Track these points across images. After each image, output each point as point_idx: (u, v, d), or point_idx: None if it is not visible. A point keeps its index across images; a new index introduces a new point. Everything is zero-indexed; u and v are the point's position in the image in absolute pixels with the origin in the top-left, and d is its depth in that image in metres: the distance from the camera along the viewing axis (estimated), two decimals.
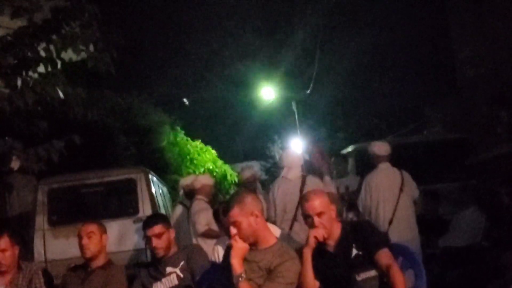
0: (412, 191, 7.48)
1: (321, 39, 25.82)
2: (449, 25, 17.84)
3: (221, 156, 18.81)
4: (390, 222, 7.22)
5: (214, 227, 7.17)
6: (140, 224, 7.88)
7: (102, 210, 9.45)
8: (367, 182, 7.51)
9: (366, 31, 24.44)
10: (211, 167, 17.39)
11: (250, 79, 25.89)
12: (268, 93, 25.18)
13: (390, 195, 7.35)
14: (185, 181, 9.13)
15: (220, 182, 17.06)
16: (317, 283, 4.10)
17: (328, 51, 25.95)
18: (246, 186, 7.99)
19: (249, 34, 26.88)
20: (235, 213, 4.09)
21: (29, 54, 8.18)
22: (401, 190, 7.32)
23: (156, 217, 5.14)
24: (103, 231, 5.07)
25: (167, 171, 13.80)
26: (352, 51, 24.88)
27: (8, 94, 8.37)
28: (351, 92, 25.89)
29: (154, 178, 9.87)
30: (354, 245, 4.21)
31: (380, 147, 7.61)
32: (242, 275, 3.95)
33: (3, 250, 4.98)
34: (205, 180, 8.33)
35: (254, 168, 9.14)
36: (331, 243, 4.27)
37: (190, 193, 8.58)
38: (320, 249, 4.21)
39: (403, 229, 7.20)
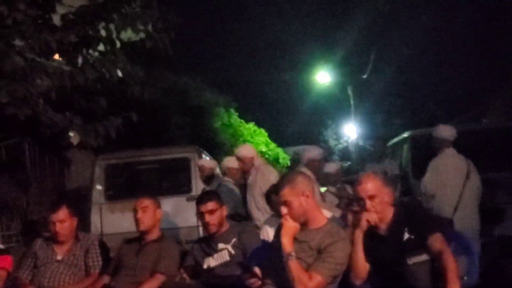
0: (477, 180, 7.32)
1: (379, 23, 25.47)
2: None
3: (273, 139, 18.83)
4: (455, 209, 7.10)
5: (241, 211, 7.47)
6: (192, 202, 8.03)
7: (157, 187, 9.62)
8: (434, 166, 7.35)
9: (427, 14, 23.97)
10: (263, 150, 17.43)
11: (305, 62, 25.77)
12: (323, 76, 25.04)
13: (456, 181, 7.20)
14: (227, 162, 8.96)
15: (272, 164, 17.11)
16: (367, 265, 4.10)
17: (387, 35, 25.58)
18: (310, 166, 7.55)
19: (306, 17, 26.71)
20: (286, 192, 4.12)
21: (90, 32, 8.34)
22: (467, 177, 7.17)
23: (210, 194, 5.21)
24: (157, 206, 5.18)
25: (220, 152, 13.90)
26: (411, 35, 24.46)
27: (70, 70, 8.58)
28: (409, 78, 25.51)
29: (208, 158, 9.98)
30: (406, 229, 4.18)
31: (448, 131, 7.37)
32: (292, 253, 3.98)
33: (62, 221, 5.15)
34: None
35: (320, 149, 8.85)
36: (383, 226, 4.25)
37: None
38: (371, 231, 4.20)
39: (466, 216, 7.08)
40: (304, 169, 7.13)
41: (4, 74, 7.75)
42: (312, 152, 7.73)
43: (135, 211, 5.10)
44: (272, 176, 7.20)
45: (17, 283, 5.08)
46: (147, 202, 5.11)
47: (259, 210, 7.02)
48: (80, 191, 10.77)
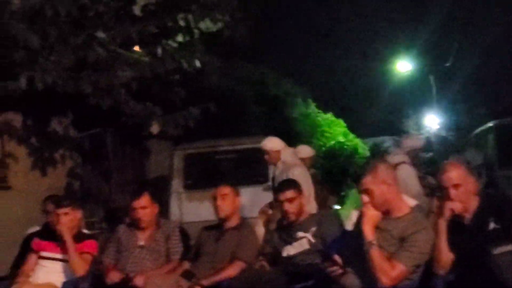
0: None
1: (463, 8, 24.75)
2: None
3: (352, 129, 18.63)
4: None
5: None
6: (268, 192, 8.03)
7: (234, 176, 9.67)
8: None
9: None
10: (342, 140, 17.28)
11: (385, 51, 25.39)
12: (404, 65, 24.55)
13: None
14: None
15: (350, 155, 16.94)
16: (451, 255, 3.99)
17: (471, 22, 24.83)
18: (411, 154, 7.20)
19: (386, 5, 26.28)
20: (367, 181, 4.06)
21: (169, 23, 8.45)
22: None
23: (289, 183, 5.20)
24: (237, 193, 5.20)
25: (297, 142, 13.86)
26: (496, 22, 23.65)
27: (150, 61, 8.74)
28: (494, 65, 24.68)
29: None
30: (492, 219, 4.04)
31: None
32: (374, 242, 3.92)
33: (144, 207, 5.25)
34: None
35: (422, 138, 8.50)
36: (467, 215, 4.12)
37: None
38: (455, 221, 4.08)
39: None
40: (403, 157, 6.98)
41: (87, 65, 7.97)
42: (415, 140, 7.60)
43: (214, 198, 5.14)
44: (296, 172, 7.12)
45: (101, 267, 5.21)
46: (226, 189, 5.14)
47: None
48: (160, 180, 10.97)
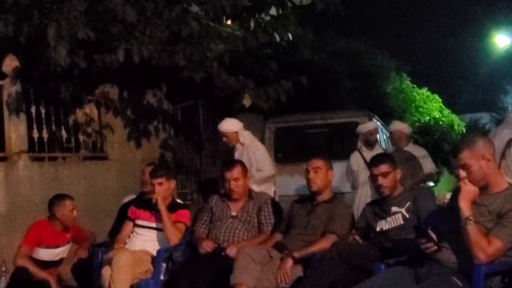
0: None
1: None
2: None
3: (448, 105, 18.11)
4: None
5: None
6: None
7: (325, 151, 9.61)
8: None
9: None
10: (437, 116, 16.85)
11: (483, 24, 24.41)
12: (502, 39, 23.55)
13: None
14: (364, 128, 8.55)
15: (446, 131, 16.51)
16: None
17: None
18: None
19: None
20: (465, 155, 3.91)
21: None
22: None
23: (383, 157, 5.09)
24: (329, 167, 5.15)
25: (391, 117, 13.61)
26: None
27: (243, 34, 8.76)
28: None
29: (378, 123, 9.79)
30: None
31: None
32: (471, 218, 3.78)
33: (236, 179, 5.30)
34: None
35: None
36: None
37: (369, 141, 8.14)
38: None
39: None
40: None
41: (181, 39, 8.07)
42: None
43: (307, 171, 5.11)
44: (258, 153, 6.99)
45: (194, 237, 5.30)
46: (319, 163, 5.10)
47: None
48: None
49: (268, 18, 9.04)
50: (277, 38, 9.19)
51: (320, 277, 4.42)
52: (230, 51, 8.43)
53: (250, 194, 5.42)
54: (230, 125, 7.15)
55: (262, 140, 9.83)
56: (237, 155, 6.96)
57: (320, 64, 11.99)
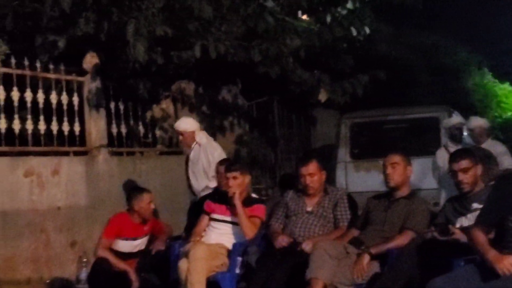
0: None
1: None
2: None
3: None
4: None
5: None
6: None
7: (403, 146, 9.40)
8: None
9: None
10: None
11: None
12: None
13: None
14: (448, 122, 8.21)
15: None
16: None
17: None
18: None
19: None
20: None
21: None
22: None
23: (463, 152, 4.93)
24: (407, 162, 5.03)
25: (471, 113, 13.22)
26: None
27: (318, 29, 8.70)
28: None
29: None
30: None
31: None
32: None
33: (312, 174, 5.26)
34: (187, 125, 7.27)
35: None
36: None
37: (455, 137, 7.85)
38: None
39: None
40: None
41: (257, 34, 8.09)
42: None
43: (384, 167, 5.01)
44: (216, 154, 6.76)
45: (269, 231, 5.29)
46: (397, 158, 4.99)
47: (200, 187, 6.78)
48: (325, 149, 10.97)
49: (344, 12, 8.95)
50: (354, 32, 9.08)
51: (397, 274, 4.34)
52: (305, 46, 8.40)
53: (325, 189, 5.36)
54: (187, 124, 6.96)
55: (338, 136, 9.75)
56: (192, 155, 6.88)
57: (398, 58, 11.78)
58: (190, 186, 6.97)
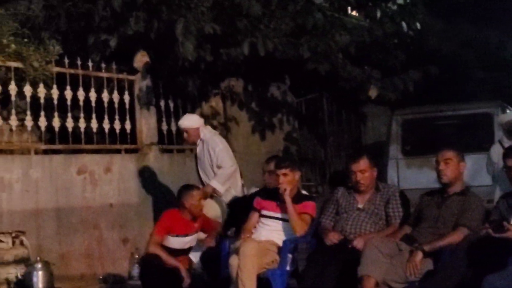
0: None
1: None
2: None
3: None
4: None
5: None
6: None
7: (456, 143, 9.23)
8: None
9: None
10: None
11: None
12: None
13: None
14: (504, 118, 7.93)
15: None
16: None
17: None
18: None
19: None
20: None
21: None
22: None
23: None
24: (461, 158, 4.92)
25: None
26: None
27: (369, 25, 8.62)
28: None
29: None
30: None
31: None
32: None
33: (362, 171, 5.19)
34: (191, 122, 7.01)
35: None
36: None
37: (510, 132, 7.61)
38: None
39: None
40: None
41: (305, 31, 8.06)
42: None
43: (437, 163, 4.92)
44: (217, 149, 6.60)
45: (320, 228, 5.25)
46: (450, 154, 4.89)
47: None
48: (376, 146, 10.86)
49: (395, 7, 8.85)
50: (404, 28, 8.97)
51: (451, 272, 4.27)
52: (355, 42, 8.33)
53: (377, 186, 5.29)
54: (191, 121, 6.82)
55: (389, 133, 9.63)
56: (198, 152, 6.78)
57: (450, 53, 11.57)
58: (202, 183, 6.79)
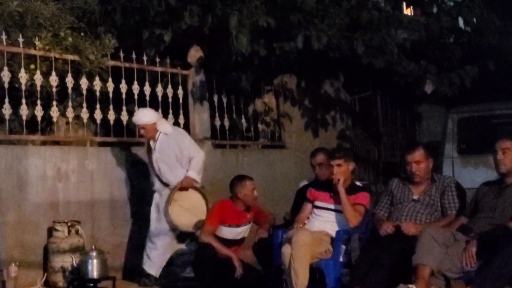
0: None
1: None
2: None
3: None
4: None
5: None
6: None
7: None
8: None
9: None
10: None
11: None
12: None
13: None
14: None
15: None
16: None
17: None
18: None
19: None
20: None
21: None
22: None
23: None
24: None
25: None
26: None
27: (425, 20, 8.49)
28: None
29: None
30: None
31: None
32: None
33: (418, 162, 5.13)
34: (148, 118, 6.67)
35: None
36: None
37: None
38: None
39: None
40: None
41: (360, 26, 7.97)
42: None
43: (495, 152, 4.82)
44: (186, 140, 6.54)
45: (375, 219, 5.18)
46: (508, 143, 4.78)
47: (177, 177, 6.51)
48: (431, 146, 10.66)
49: (451, 3, 8.69)
50: (461, 24, 8.81)
51: (507, 262, 4.14)
52: (411, 38, 8.20)
53: (433, 177, 5.20)
54: (148, 117, 6.53)
55: (444, 131, 9.44)
56: (158, 147, 6.54)
57: (508, 49, 11.28)
58: (159, 180, 6.63)
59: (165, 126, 6.62)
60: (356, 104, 10.69)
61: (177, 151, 6.52)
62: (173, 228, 6.54)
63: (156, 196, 6.69)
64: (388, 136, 11.12)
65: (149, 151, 6.66)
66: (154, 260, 6.57)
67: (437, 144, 9.85)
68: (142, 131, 6.58)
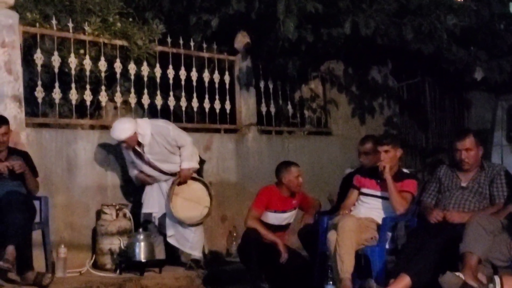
0: None
1: None
2: None
3: None
4: None
5: None
6: None
7: None
8: None
9: None
10: None
11: None
12: None
13: None
14: None
15: None
16: None
17: None
18: None
19: None
20: None
21: None
22: None
23: None
24: None
25: None
26: None
27: (475, 6, 8.32)
28: None
29: None
30: None
31: None
32: None
33: (468, 149, 5.06)
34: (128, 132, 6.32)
35: None
36: None
37: None
38: None
39: None
40: None
41: (409, 11, 7.85)
42: None
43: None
44: (171, 132, 6.33)
45: (422, 206, 5.12)
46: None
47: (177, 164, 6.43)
48: (480, 134, 10.47)
49: None
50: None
51: None
52: (461, 24, 8.05)
53: (482, 165, 5.11)
54: (127, 131, 6.19)
55: (493, 118, 9.29)
56: (147, 149, 6.32)
57: None
58: (159, 171, 6.52)
59: (144, 128, 6.30)
60: (404, 90, 10.55)
61: (167, 145, 6.39)
62: (180, 222, 6.44)
63: (162, 186, 6.57)
64: (436, 124, 10.96)
65: (138, 156, 6.42)
66: (194, 241, 6.50)
67: (486, 132, 9.69)
68: (124, 145, 6.35)
